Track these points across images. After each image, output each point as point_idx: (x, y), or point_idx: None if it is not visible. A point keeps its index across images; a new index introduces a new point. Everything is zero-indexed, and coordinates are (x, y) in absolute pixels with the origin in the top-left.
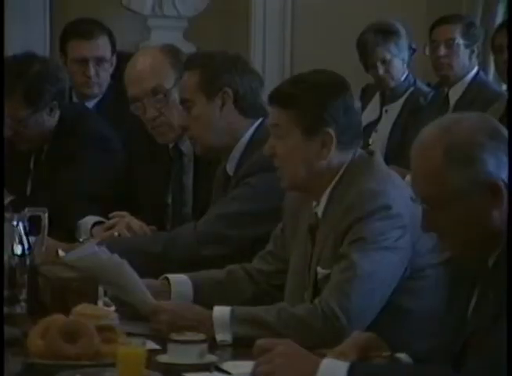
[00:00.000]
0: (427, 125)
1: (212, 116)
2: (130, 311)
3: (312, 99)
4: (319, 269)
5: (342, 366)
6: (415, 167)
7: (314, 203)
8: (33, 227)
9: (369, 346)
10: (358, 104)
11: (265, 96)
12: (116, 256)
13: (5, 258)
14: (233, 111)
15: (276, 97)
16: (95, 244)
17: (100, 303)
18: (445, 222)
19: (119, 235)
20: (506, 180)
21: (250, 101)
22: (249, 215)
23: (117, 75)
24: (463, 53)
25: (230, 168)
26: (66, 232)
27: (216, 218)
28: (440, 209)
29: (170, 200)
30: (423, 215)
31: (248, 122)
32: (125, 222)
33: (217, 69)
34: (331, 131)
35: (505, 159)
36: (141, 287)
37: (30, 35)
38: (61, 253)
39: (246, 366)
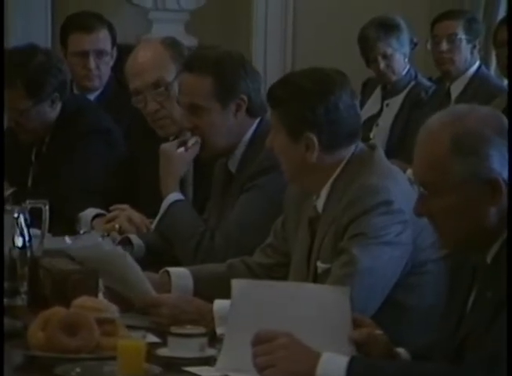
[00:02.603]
0: (438, 112)
1: (226, 122)
2: (123, 304)
3: (295, 102)
4: (319, 264)
5: (342, 360)
6: (420, 150)
7: (314, 196)
8: (34, 219)
9: (360, 323)
10: (350, 101)
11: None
12: (119, 248)
13: (6, 250)
14: (245, 115)
15: (268, 97)
16: (98, 235)
17: (101, 296)
18: (439, 208)
19: (119, 228)
20: (506, 179)
21: (257, 102)
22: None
23: (118, 68)
24: (465, 48)
25: (232, 164)
26: (66, 224)
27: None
28: (437, 195)
29: None
30: (418, 197)
31: (253, 121)
32: (126, 215)
33: (231, 77)
34: (312, 135)
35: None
36: (143, 279)
37: (31, 29)
38: (67, 240)
39: None
